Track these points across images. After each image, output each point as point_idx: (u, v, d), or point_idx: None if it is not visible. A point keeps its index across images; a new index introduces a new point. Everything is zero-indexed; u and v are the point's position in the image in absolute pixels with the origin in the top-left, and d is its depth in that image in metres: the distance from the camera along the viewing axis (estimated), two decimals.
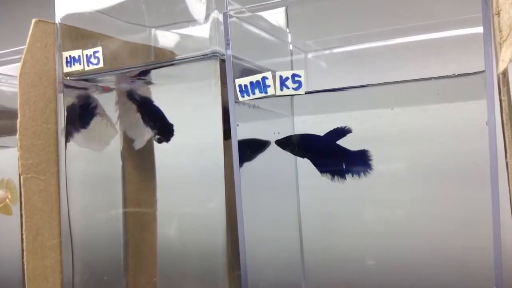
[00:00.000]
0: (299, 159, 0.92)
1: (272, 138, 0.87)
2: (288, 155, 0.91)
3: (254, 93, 0.71)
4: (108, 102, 0.97)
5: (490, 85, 0.58)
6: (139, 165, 1.02)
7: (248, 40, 0.81)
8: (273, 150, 0.88)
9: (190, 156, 0.85)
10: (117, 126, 0.98)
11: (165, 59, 0.87)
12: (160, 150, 0.93)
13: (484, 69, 0.59)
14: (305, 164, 0.92)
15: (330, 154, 0.76)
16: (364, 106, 0.88)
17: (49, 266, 0.88)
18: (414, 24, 0.89)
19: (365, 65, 0.95)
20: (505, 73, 0.54)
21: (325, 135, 0.76)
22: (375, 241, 0.89)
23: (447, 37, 0.87)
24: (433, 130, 0.84)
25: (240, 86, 0.72)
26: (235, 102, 0.73)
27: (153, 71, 0.88)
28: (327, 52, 0.99)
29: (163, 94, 0.94)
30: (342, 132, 0.75)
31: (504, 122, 0.55)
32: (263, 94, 0.71)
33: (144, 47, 0.92)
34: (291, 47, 0.96)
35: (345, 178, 0.75)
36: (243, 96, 0.72)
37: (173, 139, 0.89)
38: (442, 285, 0.84)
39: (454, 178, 0.83)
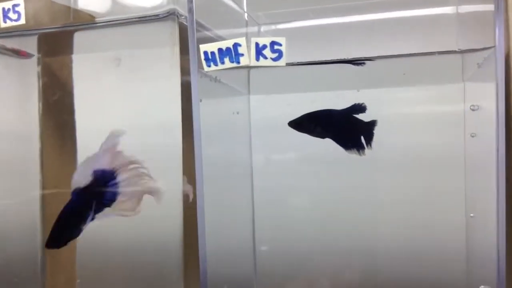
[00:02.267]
0: (254, 146, 0.83)
1: (231, 118, 0.76)
2: (242, 143, 0.81)
3: (223, 62, 0.60)
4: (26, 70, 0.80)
5: (501, 62, 0.52)
6: (60, 147, 0.86)
7: (207, 3, 0.69)
8: (229, 136, 0.78)
9: (140, 137, 0.71)
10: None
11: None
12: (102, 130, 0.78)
13: (494, 45, 0.53)
14: (259, 152, 0.84)
15: (350, 128, 0.69)
16: (328, 86, 0.80)
17: None
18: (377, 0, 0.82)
19: (324, 42, 0.87)
20: None
21: (342, 110, 0.71)
22: (331, 231, 0.82)
23: (414, 15, 0.81)
24: (402, 115, 0.78)
25: (205, 53, 0.60)
26: (199, 72, 0.61)
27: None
28: (282, 26, 0.90)
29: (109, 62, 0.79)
30: (359, 108, 0.69)
31: None
32: (234, 64, 0.60)
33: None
34: (246, 16, 0.85)
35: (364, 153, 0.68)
36: (209, 66, 0.60)
37: (119, 117, 0.74)
38: (410, 275, 0.79)
39: (423, 165, 0.77)
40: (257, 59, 0.59)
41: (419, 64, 0.74)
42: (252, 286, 0.85)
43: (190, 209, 0.70)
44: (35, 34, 0.80)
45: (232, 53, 0.59)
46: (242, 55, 0.59)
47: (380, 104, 0.77)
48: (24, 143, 0.83)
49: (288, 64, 0.59)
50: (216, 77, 0.67)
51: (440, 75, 0.73)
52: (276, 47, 0.59)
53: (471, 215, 0.70)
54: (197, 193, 0.63)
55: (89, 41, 0.78)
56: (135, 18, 0.68)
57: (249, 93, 0.81)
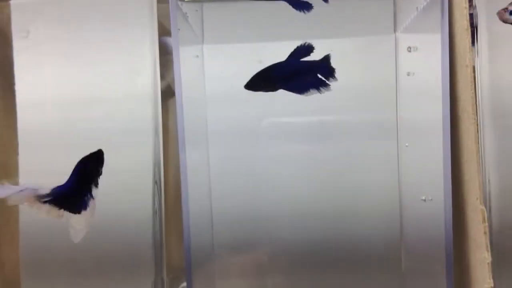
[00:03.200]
0: (209, 112, 0.85)
1: (192, 61, 0.79)
2: (197, 111, 0.83)
3: None
4: None
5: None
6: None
7: None
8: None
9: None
10: None
11: None
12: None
13: None
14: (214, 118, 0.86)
15: (301, 73, 0.73)
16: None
17: None
18: None
19: None
20: None
21: (288, 57, 0.73)
22: (284, 197, 0.87)
23: None
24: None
25: None
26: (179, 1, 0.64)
27: None
28: None
29: None
30: (305, 50, 0.72)
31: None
32: None
33: None
34: None
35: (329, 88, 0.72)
36: None
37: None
38: (350, 235, 0.86)
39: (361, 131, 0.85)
40: None
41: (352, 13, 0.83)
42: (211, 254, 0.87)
43: None
44: None
45: None
46: None
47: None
48: None
49: None
50: (186, 13, 0.70)
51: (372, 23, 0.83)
52: None
53: (406, 144, 0.80)
54: (180, 159, 0.66)
55: None
56: None
57: (202, 42, 0.85)
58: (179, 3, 0.65)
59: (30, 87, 0.83)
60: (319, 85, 0.74)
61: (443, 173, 0.64)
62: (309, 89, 0.75)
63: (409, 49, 0.77)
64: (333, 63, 0.82)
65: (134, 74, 0.73)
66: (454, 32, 0.63)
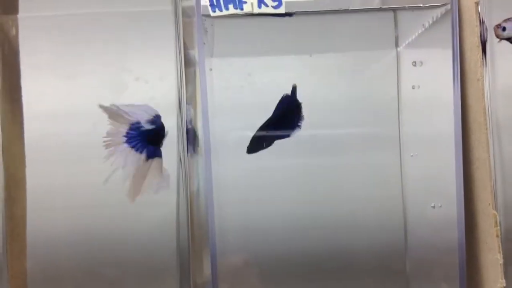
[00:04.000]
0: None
1: (207, 74, 0.80)
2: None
3: (227, 9, 0.66)
4: None
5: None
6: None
7: None
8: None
9: None
10: None
11: None
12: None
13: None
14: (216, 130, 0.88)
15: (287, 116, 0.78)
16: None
17: None
18: None
19: None
20: None
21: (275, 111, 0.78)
22: (288, 208, 0.86)
23: None
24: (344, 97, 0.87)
25: None
26: (203, 16, 0.66)
27: None
28: None
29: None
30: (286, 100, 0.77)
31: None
32: (238, 11, 0.66)
33: None
34: None
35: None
36: (214, 11, 0.66)
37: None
38: (355, 247, 0.85)
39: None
40: (259, 6, 0.66)
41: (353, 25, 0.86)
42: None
43: None
44: None
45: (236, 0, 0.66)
46: (245, 2, 0.66)
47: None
48: None
49: (287, 13, 0.67)
50: (206, 28, 0.72)
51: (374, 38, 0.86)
52: None
53: (411, 154, 0.84)
54: (205, 168, 0.70)
55: None
56: None
57: (211, 55, 0.86)
58: (203, 18, 0.67)
59: (38, 99, 0.83)
60: (296, 122, 0.78)
61: (456, 180, 0.68)
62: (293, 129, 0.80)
63: (414, 63, 0.81)
64: (340, 76, 0.87)
65: (159, 85, 0.75)
66: (464, 48, 0.68)
